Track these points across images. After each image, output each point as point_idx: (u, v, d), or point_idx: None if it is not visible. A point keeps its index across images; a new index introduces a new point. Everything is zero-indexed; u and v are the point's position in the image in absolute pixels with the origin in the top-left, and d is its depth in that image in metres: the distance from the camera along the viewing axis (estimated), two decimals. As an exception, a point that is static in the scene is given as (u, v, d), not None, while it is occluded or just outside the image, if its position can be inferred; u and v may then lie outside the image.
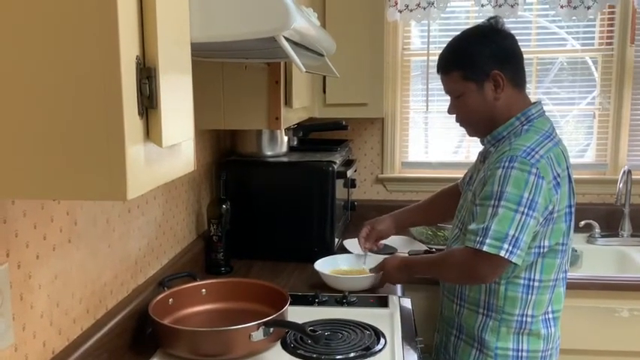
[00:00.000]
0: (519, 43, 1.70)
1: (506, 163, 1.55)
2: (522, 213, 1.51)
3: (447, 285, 1.79)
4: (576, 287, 2.10)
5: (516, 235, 1.51)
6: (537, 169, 1.53)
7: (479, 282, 1.64)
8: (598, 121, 2.82)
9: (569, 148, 2.77)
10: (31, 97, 0.72)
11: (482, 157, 1.78)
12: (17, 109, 0.73)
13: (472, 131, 1.78)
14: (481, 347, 1.67)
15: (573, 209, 1.64)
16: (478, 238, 1.53)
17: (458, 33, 1.74)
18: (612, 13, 2.71)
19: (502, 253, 1.51)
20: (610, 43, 2.74)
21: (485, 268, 1.56)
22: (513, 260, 1.51)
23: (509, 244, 1.51)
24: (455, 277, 1.71)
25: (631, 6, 2.64)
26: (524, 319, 1.64)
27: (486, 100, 1.66)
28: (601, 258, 2.61)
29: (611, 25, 2.73)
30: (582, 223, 2.62)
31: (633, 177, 2.64)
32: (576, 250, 2.50)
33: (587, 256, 2.55)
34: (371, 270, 1.90)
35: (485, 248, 1.52)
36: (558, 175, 1.57)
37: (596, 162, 2.85)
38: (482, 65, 1.64)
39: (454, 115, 1.75)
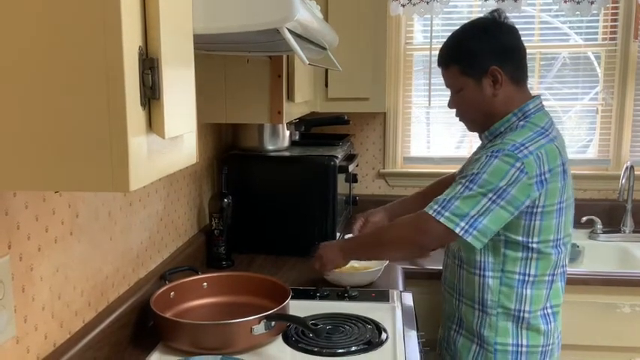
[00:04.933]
0: (522, 38, 1.69)
1: (493, 152, 1.55)
2: (490, 199, 1.51)
3: (447, 280, 1.79)
4: (578, 283, 2.10)
5: (476, 216, 1.50)
6: (522, 163, 1.52)
7: (417, 245, 1.61)
8: (601, 117, 2.81)
9: (572, 144, 2.80)
10: (33, 87, 0.72)
11: (479, 151, 1.77)
12: (19, 100, 0.72)
13: (471, 126, 1.77)
14: (481, 342, 1.67)
15: (565, 205, 1.61)
16: (438, 208, 1.53)
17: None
18: (616, 8, 2.70)
19: (457, 230, 1.50)
20: (613, 39, 2.73)
21: (433, 234, 1.54)
22: (468, 240, 1.51)
23: (467, 224, 1.50)
24: (395, 236, 1.66)
25: (634, 1, 2.63)
26: (521, 314, 1.63)
27: (484, 96, 1.65)
28: (603, 254, 2.61)
29: (615, 20, 2.72)
30: (584, 218, 2.62)
31: (636, 173, 2.64)
32: (578, 246, 2.50)
33: (588, 251, 2.55)
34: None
35: (441, 219, 1.51)
36: (548, 172, 1.55)
37: (599, 158, 2.84)
38: (480, 61, 1.63)
39: (454, 110, 1.75)
